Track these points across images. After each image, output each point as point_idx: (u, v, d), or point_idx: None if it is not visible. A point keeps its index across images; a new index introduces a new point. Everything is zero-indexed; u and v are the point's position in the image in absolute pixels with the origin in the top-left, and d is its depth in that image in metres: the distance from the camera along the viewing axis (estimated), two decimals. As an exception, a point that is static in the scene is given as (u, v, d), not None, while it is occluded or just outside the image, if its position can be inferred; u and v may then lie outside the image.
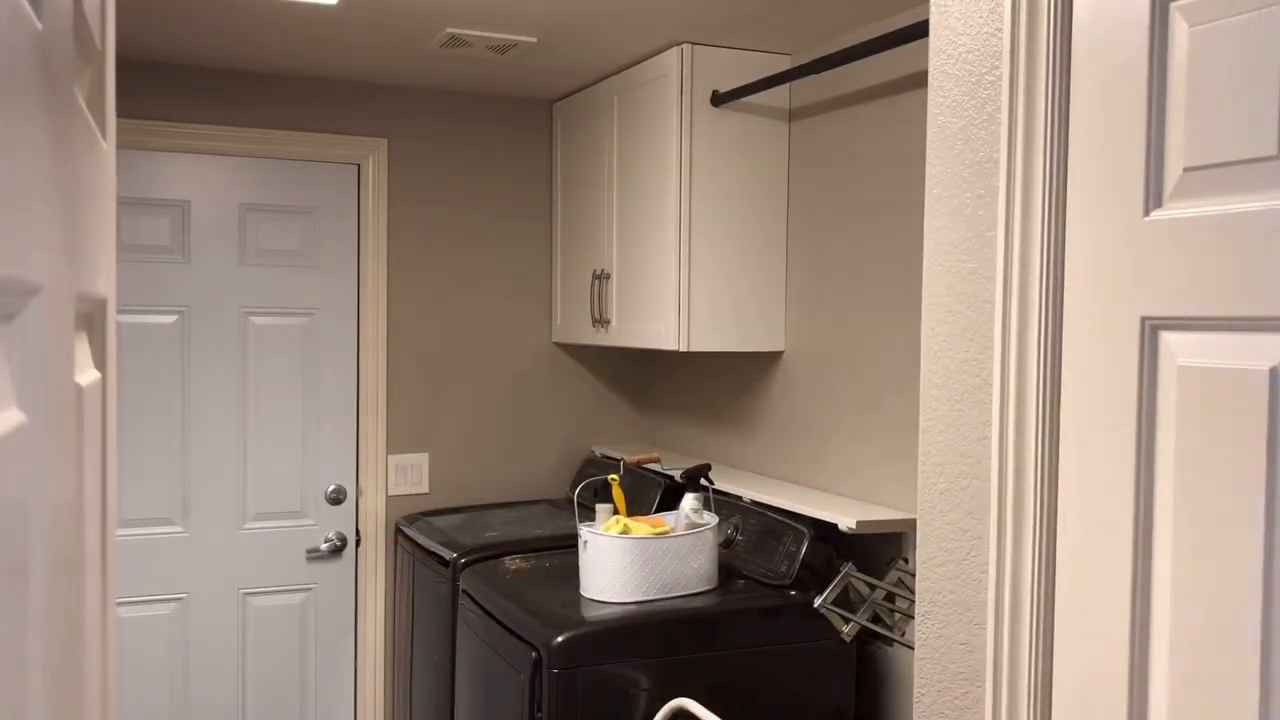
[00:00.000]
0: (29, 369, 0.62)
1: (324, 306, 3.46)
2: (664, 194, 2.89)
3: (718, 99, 2.86)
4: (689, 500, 2.50)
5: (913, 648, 1.74)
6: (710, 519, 2.52)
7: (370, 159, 3.43)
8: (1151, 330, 1.18)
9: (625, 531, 2.40)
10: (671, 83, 2.86)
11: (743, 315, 2.96)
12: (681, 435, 3.56)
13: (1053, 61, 1.29)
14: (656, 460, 2.80)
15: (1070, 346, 1.28)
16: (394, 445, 3.49)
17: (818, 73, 2.56)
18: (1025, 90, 1.32)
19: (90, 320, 0.94)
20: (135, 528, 3.24)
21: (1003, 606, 1.35)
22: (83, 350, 0.88)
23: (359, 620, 3.45)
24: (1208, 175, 1.13)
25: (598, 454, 3.62)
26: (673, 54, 2.85)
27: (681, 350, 2.91)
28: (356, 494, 3.49)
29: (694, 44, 2.86)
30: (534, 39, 2.81)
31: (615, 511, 2.56)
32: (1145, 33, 1.19)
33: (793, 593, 2.44)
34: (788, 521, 2.55)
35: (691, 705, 2.10)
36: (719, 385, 3.33)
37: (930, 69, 1.50)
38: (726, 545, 2.63)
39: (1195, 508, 1.14)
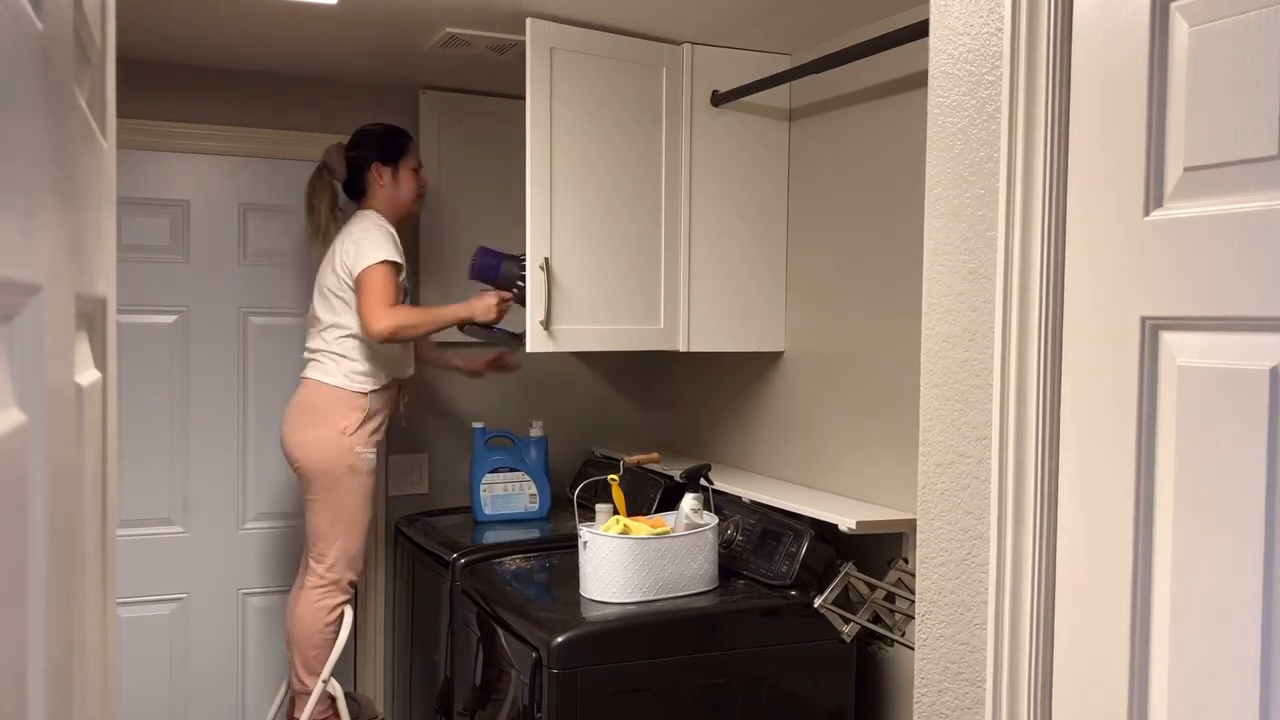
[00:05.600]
0: (29, 369, 0.62)
1: (324, 306, 3.45)
2: (664, 193, 2.89)
3: (718, 99, 2.86)
4: (689, 500, 2.50)
5: (913, 648, 1.74)
6: (710, 519, 2.52)
7: (370, 159, 3.43)
8: (1151, 330, 1.18)
9: (625, 531, 2.40)
10: (671, 82, 2.86)
11: (743, 315, 2.96)
12: (681, 435, 3.56)
13: (1053, 61, 1.29)
14: (656, 460, 2.80)
15: (1070, 346, 1.28)
16: (394, 445, 3.48)
17: (818, 73, 2.56)
18: (1025, 90, 1.32)
19: (90, 320, 0.94)
20: (135, 528, 3.24)
21: (1003, 606, 1.35)
22: (83, 350, 0.88)
23: (359, 620, 3.45)
24: (1208, 175, 1.13)
25: (598, 454, 3.61)
26: (673, 53, 2.85)
27: (682, 350, 2.91)
28: (356, 494, 3.49)
29: (694, 44, 2.86)
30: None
31: (615, 511, 2.56)
32: (1145, 32, 1.19)
33: (793, 593, 2.44)
34: (788, 521, 2.55)
35: None
36: (719, 385, 3.33)
37: (930, 69, 1.50)
38: (726, 545, 2.63)
39: (1195, 508, 1.14)
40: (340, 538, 2.89)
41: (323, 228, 3.00)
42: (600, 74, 2.75)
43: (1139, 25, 1.19)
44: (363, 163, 2.97)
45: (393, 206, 2.98)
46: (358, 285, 2.81)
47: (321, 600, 2.89)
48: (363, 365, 2.90)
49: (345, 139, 3.37)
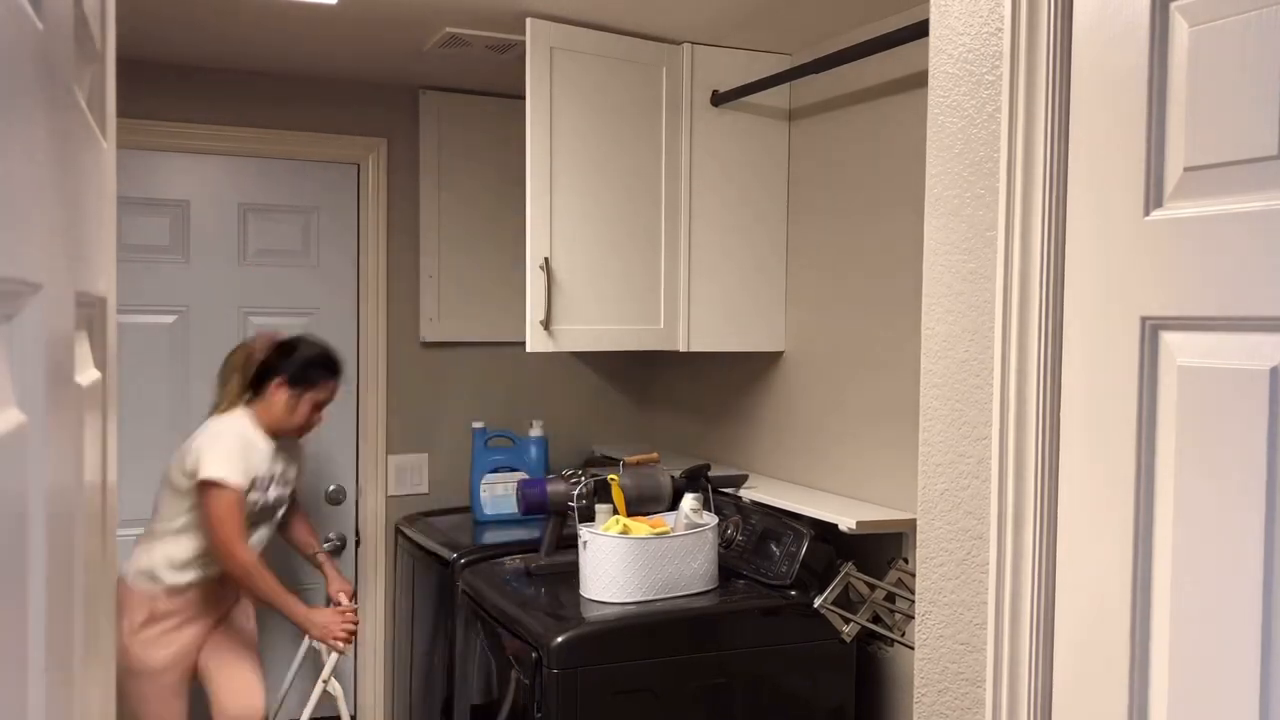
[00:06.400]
0: (29, 369, 0.62)
1: (324, 306, 3.45)
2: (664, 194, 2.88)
3: (718, 99, 2.86)
4: (688, 500, 2.50)
5: (913, 648, 1.74)
6: (710, 519, 2.52)
7: (370, 159, 3.43)
8: (1151, 330, 1.18)
9: (625, 532, 2.40)
10: (671, 82, 2.86)
11: (743, 315, 2.95)
12: (681, 435, 3.56)
13: (1053, 61, 1.29)
14: (655, 461, 2.80)
15: (1070, 346, 1.28)
16: (394, 445, 3.48)
17: (818, 73, 2.56)
18: (1025, 90, 1.32)
19: (90, 320, 0.93)
20: (135, 528, 3.23)
21: (1003, 606, 1.35)
22: (83, 350, 0.88)
23: (359, 620, 3.45)
24: (1208, 175, 1.13)
25: (598, 454, 3.62)
26: (673, 53, 2.85)
27: (682, 350, 2.91)
28: (356, 494, 3.49)
29: (694, 44, 2.86)
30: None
31: (615, 511, 2.56)
32: (1145, 32, 1.19)
33: (793, 593, 2.44)
34: (788, 521, 2.55)
35: None
36: (719, 385, 3.33)
37: (930, 69, 1.50)
38: (726, 545, 2.63)
39: (1195, 508, 1.14)
40: None
41: (228, 403, 2.76)
42: (600, 74, 2.75)
43: (1139, 25, 1.19)
44: (272, 370, 2.76)
45: (273, 423, 2.75)
46: (205, 498, 2.61)
47: None
48: (149, 556, 2.70)
49: (345, 138, 3.35)
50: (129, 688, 2.64)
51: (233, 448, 2.65)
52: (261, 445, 2.74)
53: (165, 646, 2.68)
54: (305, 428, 2.82)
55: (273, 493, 2.79)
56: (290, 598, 2.71)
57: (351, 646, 2.81)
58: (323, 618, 2.77)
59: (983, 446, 1.40)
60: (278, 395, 2.75)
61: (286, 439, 2.83)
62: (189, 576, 2.70)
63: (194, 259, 3.30)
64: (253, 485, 2.69)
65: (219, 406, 2.78)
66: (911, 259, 2.47)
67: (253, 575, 2.63)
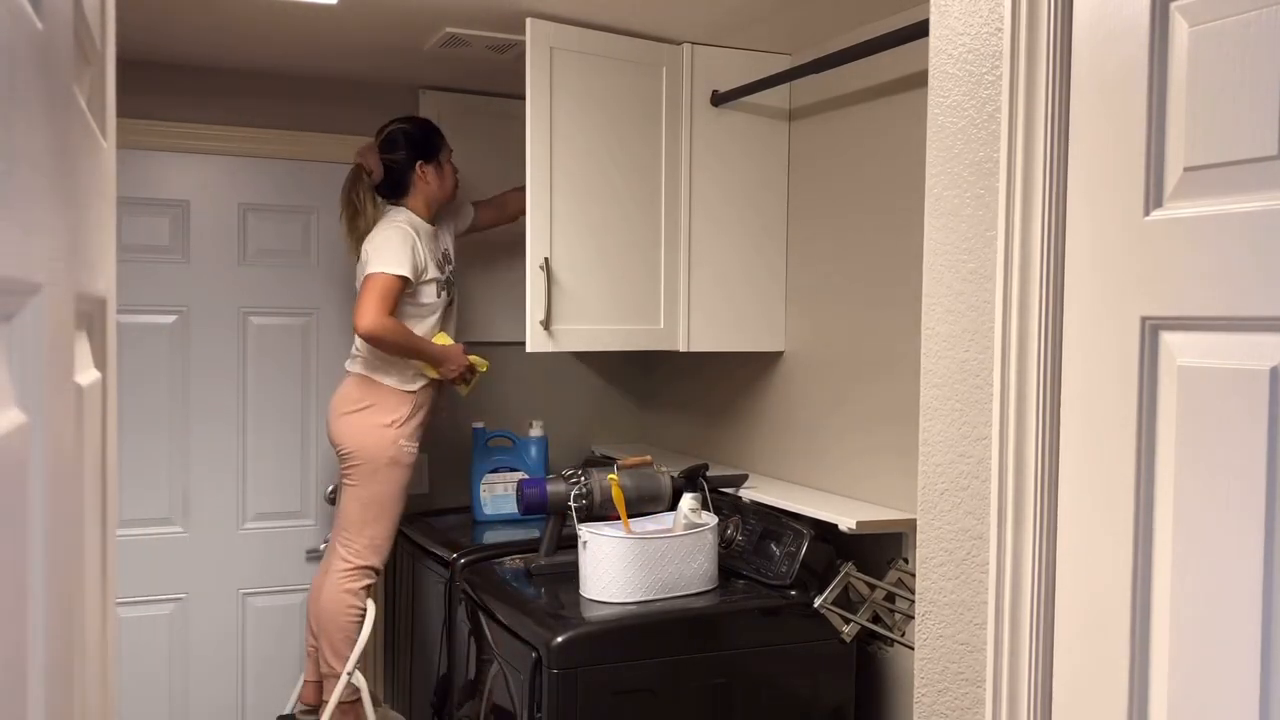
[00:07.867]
0: (29, 369, 0.62)
1: (324, 306, 3.45)
2: (664, 193, 2.88)
3: (718, 99, 2.86)
4: (686, 500, 2.50)
5: (913, 648, 1.74)
6: (709, 519, 2.52)
7: (370, 159, 3.43)
8: (1151, 330, 1.18)
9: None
10: (671, 82, 2.86)
11: (743, 315, 2.95)
12: (681, 435, 3.56)
13: (1053, 61, 1.29)
14: (648, 463, 2.80)
15: (1070, 346, 1.28)
16: (394, 445, 3.48)
17: (818, 72, 2.56)
18: (1025, 90, 1.32)
19: (90, 320, 0.93)
20: (135, 528, 3.24)
21: (1003, 606, 1.35)
22: (83, 350, 0.88)
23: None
24: (1208, 175, 1.13)
25: (597, 454, 3.61)
26: (673, 53, 2.85)
27: (682, 350, 2.91)
28: (356, 494, 3.49)
29: (694, 44, 2.85)
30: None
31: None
32: (1145, 33, 1.19)
33: (793, 593, 2.44)
34: (788, 521, 2.54)
35: None
36: (719, 385, 3.33)
37: (930, 69, 1.50)
38: (726, 545, 2.63)
39: (1195, 508, 1.14)
40: (370, 525, 2.95)
41: (369, 229, 2.99)
42: (600, 74, 2.74)
43: (1139, 25, 1.19)
44: (406, 164, 3.00)
45: (433, 201, 3.03)
46: (362, 284, 2.85)
47: (347, 584, 2.94)
48: (406, 365, 2.95)
49: (345, 138, 3.37)
50: (381, 475, 2.92)
51: (403, 240, 2.88)
52: (425, 230, 2.98)
53: (417, 441, 3.00)
54: (456, 184, 3.10)
55: (447, 270, 3.06)
56: (426, 343, 2.95)
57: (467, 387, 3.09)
58: (453, 359, 2.98)
59: (983, 446, 1.40)
60: (425, 177, 3.00)
61: (439, 215, 3.11)
62: (421, 380, 2.97)
63: (194, 259, 3.30)
64: (422, 273, 2.92)
65: (365, 235, 2.97)
66: (912, 259, 2.47)
67: (384, 333, 2.82)
